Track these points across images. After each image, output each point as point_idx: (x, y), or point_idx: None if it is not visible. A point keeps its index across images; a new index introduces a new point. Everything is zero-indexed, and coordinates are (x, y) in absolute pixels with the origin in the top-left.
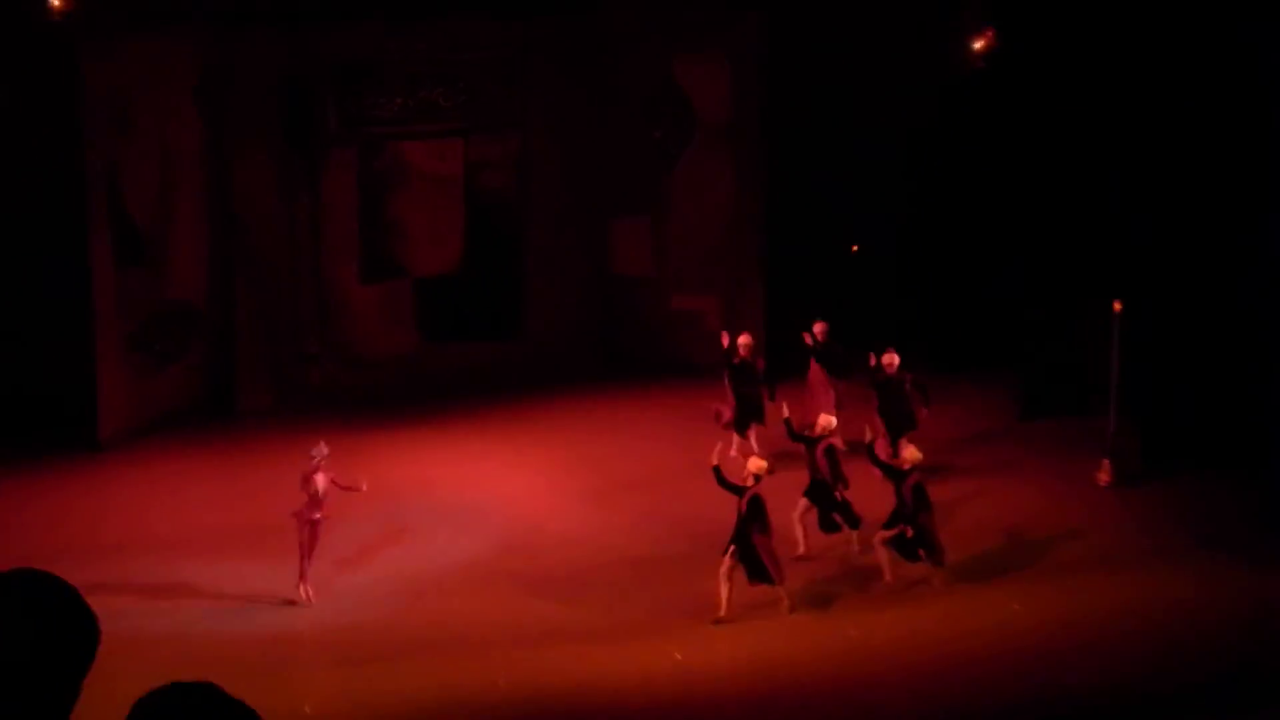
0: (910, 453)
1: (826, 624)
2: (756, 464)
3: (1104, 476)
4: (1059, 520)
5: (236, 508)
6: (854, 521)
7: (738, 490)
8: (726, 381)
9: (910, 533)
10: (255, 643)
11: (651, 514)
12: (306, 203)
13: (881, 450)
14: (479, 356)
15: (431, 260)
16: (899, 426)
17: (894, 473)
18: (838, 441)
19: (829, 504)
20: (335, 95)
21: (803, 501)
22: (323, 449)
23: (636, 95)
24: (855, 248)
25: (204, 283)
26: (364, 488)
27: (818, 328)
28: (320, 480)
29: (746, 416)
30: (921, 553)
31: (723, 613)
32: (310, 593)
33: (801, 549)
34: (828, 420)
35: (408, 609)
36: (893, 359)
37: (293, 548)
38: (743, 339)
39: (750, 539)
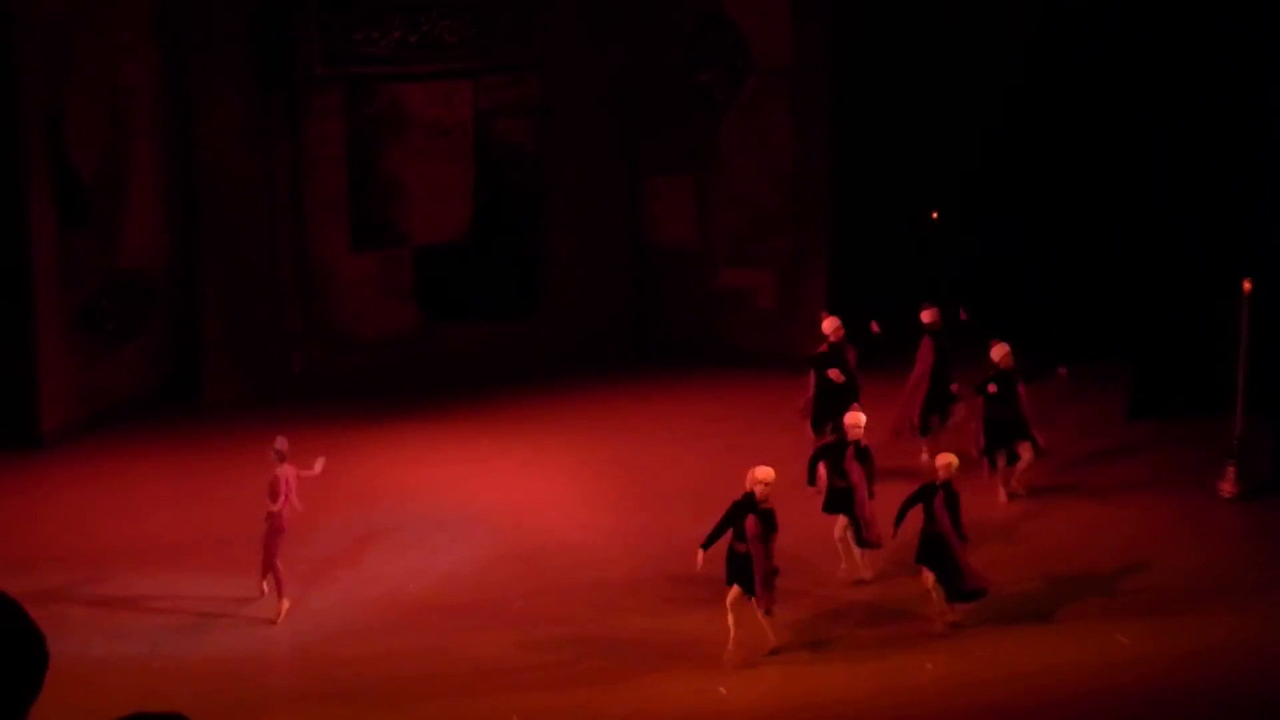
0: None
1: (898, 656)
2: (764, 472)
3: (1228, 487)
4: (1173, 538)
5: (199, 515)
6: (861, 540)
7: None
8: (812, 374)
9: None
10: (222, 669)
11: (690, 527)
12: (285, 155)
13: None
14: (489, 339)
15: (434, 225)
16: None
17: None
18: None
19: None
20: (319, 28)
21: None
22: (282, 442)
23: (679, 31)
24: (936, 215)
25: (163, 249)
26: (318, 468)
27: (927, 314)
28: (287, 473)
29: (830, 414)
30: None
31: (773, 641)
32: (283, 606)
33: (865, 573)
34: (856, 418)
35: (403, 636)
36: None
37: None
38: (828, 323)
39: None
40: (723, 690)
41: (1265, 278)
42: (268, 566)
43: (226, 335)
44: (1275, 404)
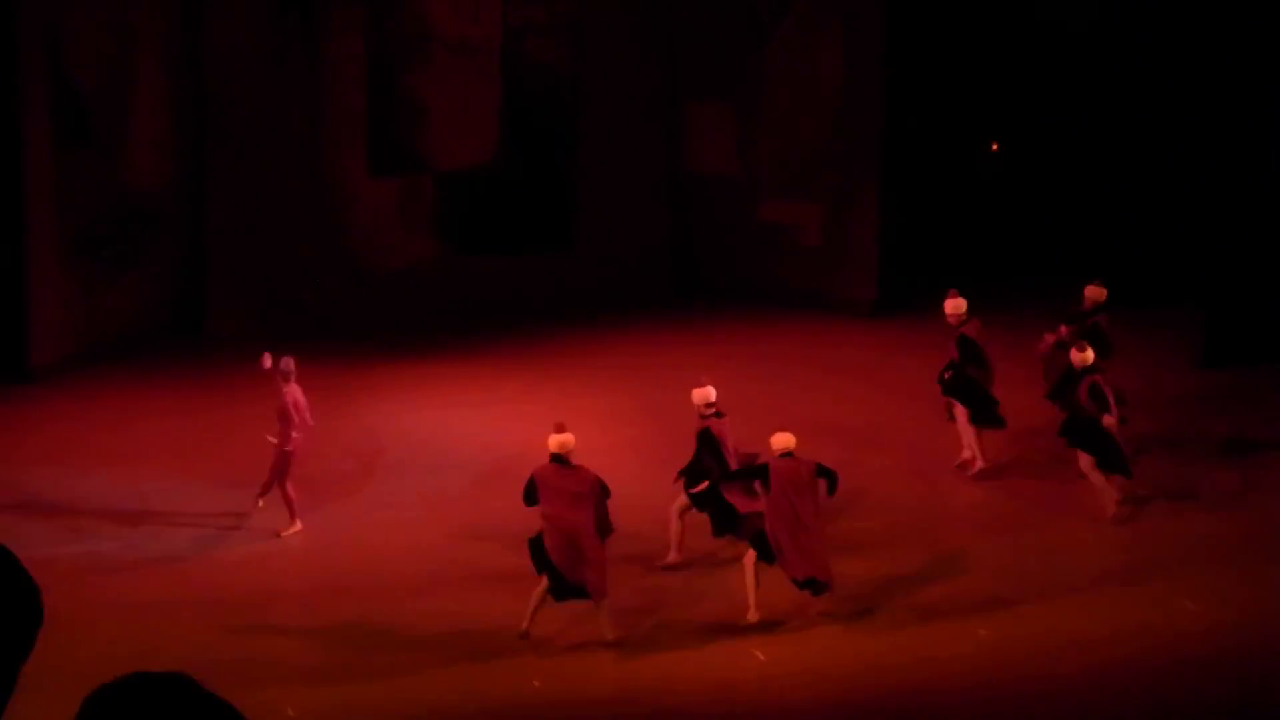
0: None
1: (953, 624)
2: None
3: None
4: (1242, 495)
5: (197, 454)
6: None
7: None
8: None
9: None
10: (224, 576)
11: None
12: (299, 74)
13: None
14: (517, 274)
15: (459, 150)
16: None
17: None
18: None
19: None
20: None
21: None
22: (288, 362)
23: None
24: (995, 145)
25: (168, 171)
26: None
27: (1091, 291)
28: (295, 393)
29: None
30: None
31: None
32: (295, 526)
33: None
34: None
35: (418, 596)
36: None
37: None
38: (951, 302)
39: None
40: (760, 655)
41: None
42: (270, 486)
43: (233, 264)
44: None
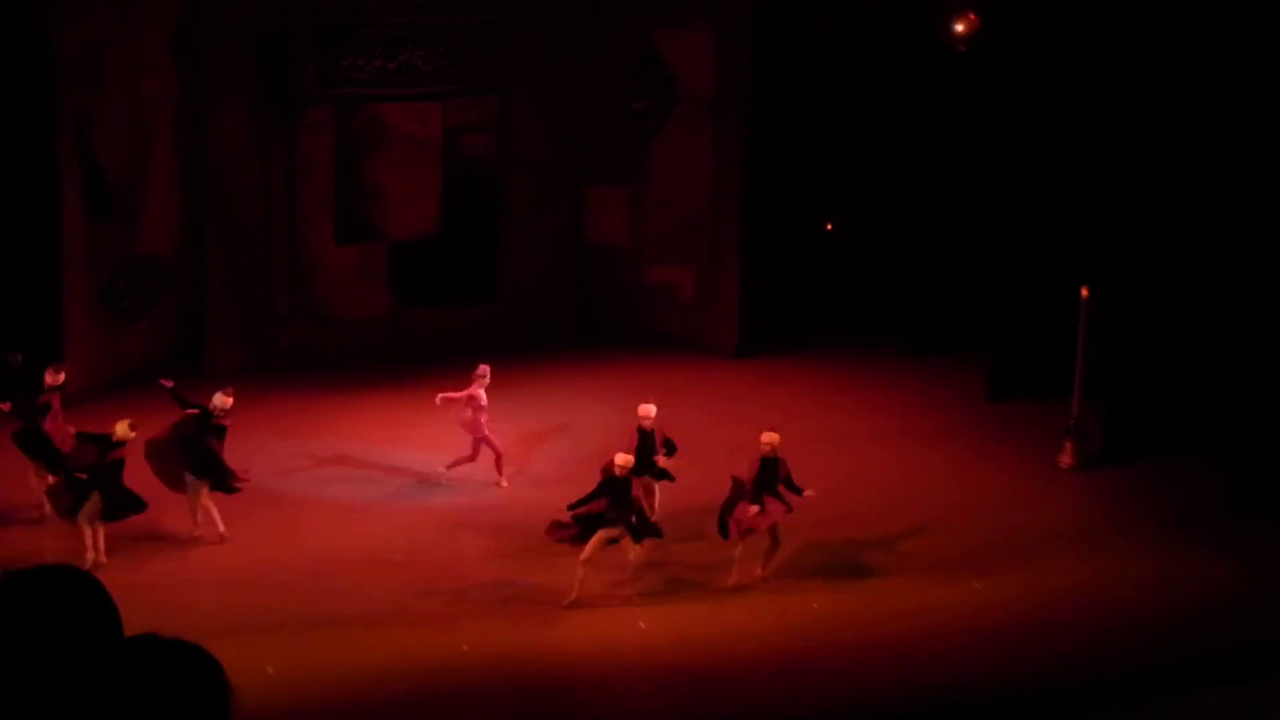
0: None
1: (792, 601)
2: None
3: (1065, 459)
4: (1021, 501)
5: None
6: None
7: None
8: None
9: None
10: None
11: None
12: (281, 160)
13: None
14: (453, 320)
15: (408, 223)
16: None
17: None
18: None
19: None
20: (314, 53)
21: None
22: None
23: (619, 64)
24: (830, 225)
25: (175, 237)
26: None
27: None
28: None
29: None
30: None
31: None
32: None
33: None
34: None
35: (368, 577)
36: None
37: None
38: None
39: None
40: (642, 625)
41: (1099, 286)
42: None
43: (227, 313)
44: (1105, 390)
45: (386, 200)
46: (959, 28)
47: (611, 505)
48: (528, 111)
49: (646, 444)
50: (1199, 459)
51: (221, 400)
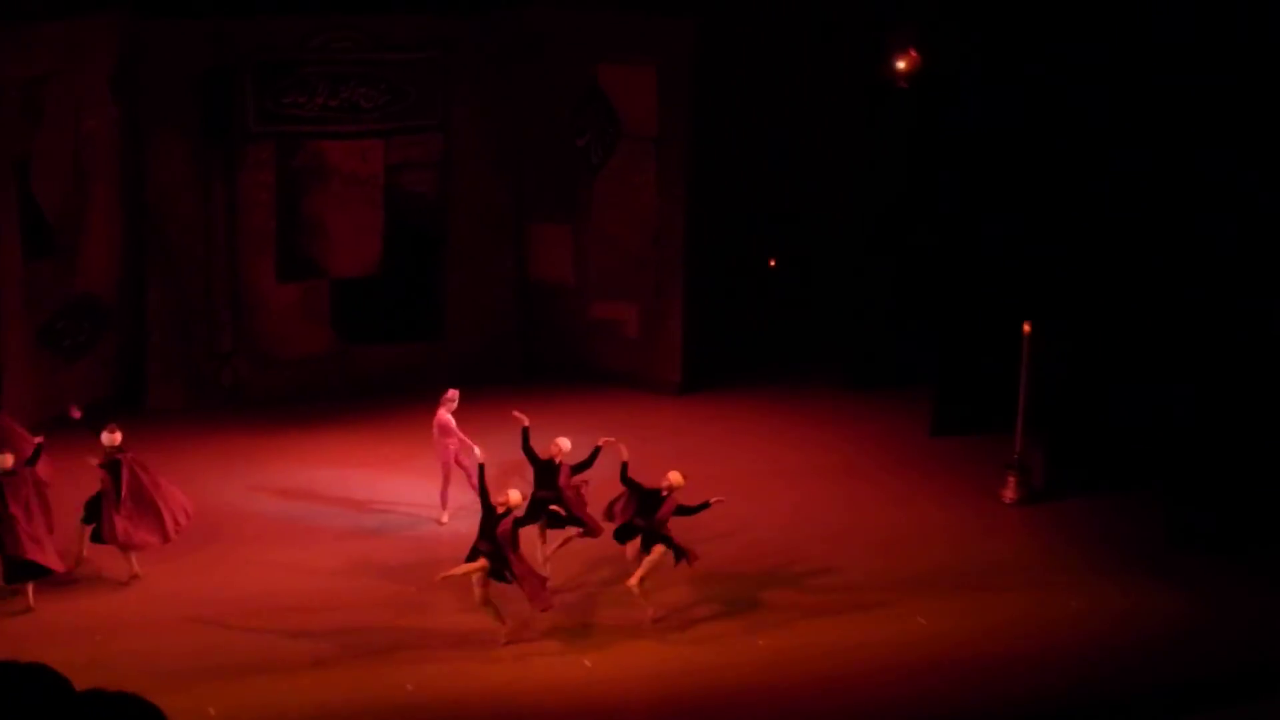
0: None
1: (735, 637)
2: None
3: (1008, 493)
4: (964, 535)
5: None
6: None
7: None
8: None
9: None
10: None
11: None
12: (222, 198)
13: None
14: (396, 359)
15: (350, 261)
16: None
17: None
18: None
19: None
20: (255, 90)
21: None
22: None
23: (561, 102)
24: (772, 262)
25: (116, 275)
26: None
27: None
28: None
29: None
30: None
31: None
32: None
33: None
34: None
35: (312, 618)
36: None
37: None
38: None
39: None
40: (588, 663)
41: (1042, 321)
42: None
43: (168, 352)
44: (1047, 426)
45: (329, 238)
46: (900, 65)
47: (482, 537)
48: (470, 149)
49: (548, 474)
50: (1142, 494)
51: (109, 438)
